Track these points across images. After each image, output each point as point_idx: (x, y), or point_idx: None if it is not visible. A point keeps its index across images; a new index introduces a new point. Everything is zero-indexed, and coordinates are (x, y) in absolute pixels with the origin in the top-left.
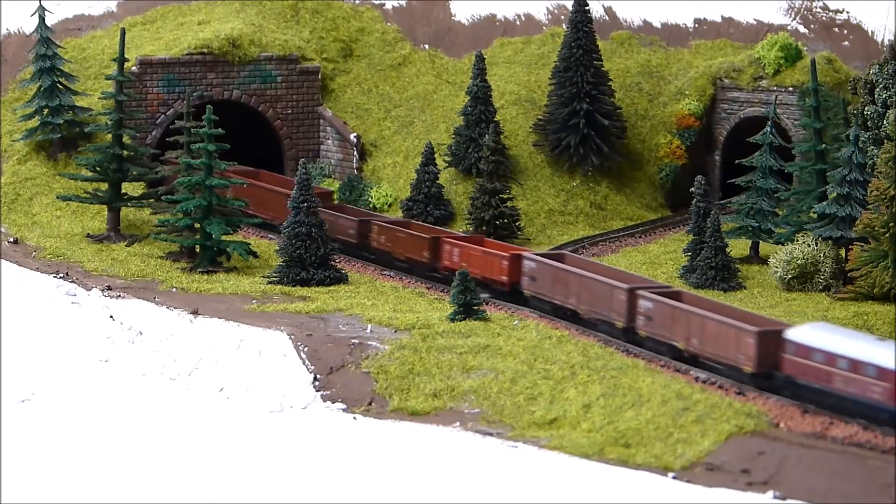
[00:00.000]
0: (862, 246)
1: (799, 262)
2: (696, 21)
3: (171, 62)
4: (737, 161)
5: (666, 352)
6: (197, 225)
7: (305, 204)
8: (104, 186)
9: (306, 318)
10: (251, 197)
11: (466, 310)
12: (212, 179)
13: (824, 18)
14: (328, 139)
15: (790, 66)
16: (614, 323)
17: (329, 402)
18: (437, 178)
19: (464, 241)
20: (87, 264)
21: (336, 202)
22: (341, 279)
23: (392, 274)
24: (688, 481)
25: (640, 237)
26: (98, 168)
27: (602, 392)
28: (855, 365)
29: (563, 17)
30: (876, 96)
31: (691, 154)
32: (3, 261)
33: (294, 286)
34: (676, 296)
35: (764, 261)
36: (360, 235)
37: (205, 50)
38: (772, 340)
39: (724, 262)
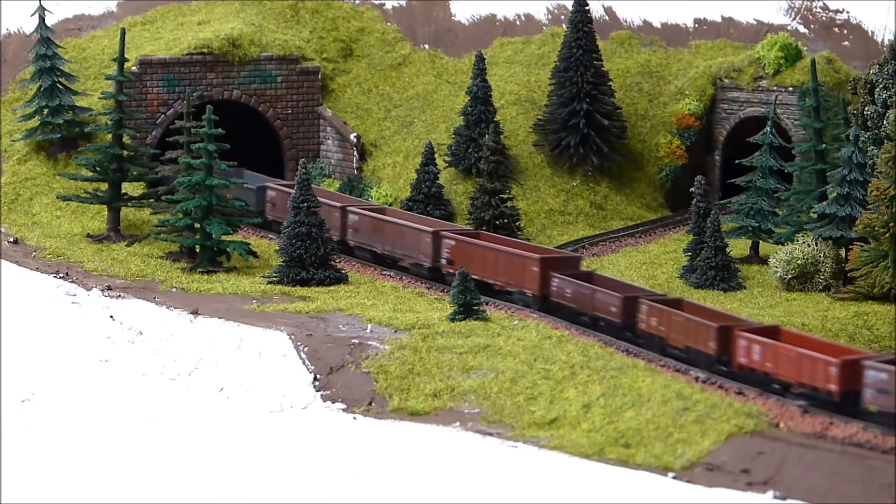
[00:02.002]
0: (862, 246)
1: (799, 262)
2: (696, 21)
3: (171, 62)
4: (737, 161)
5: None
6: (197, 225)
7: (305, 204)
8: (104, 186)
9: (306, 318)
10: (475, 259)
11: (466, 310)
12: (212, 179)
13: (824, 18)
14: (328, 139)
15: (790, 66)
16: None
17: (329, 402)
18: (437, 178)
19: (764, 335)
20: (87, 264)
21: (585, 270)
22: (341, 279)
23: (392, 274)
24: (688, 481)
25: (640, 237)
26: (98, 168)
27: (602, 392)
28: None
29: (563, 17)
30: (876, 96)
31: (691, 154)
32: (3, 261)
33: (294, 286)
34: None
35: (764, 261)
36: (624, 315)
37: (205, 50)
38: None
39: (724, 262)
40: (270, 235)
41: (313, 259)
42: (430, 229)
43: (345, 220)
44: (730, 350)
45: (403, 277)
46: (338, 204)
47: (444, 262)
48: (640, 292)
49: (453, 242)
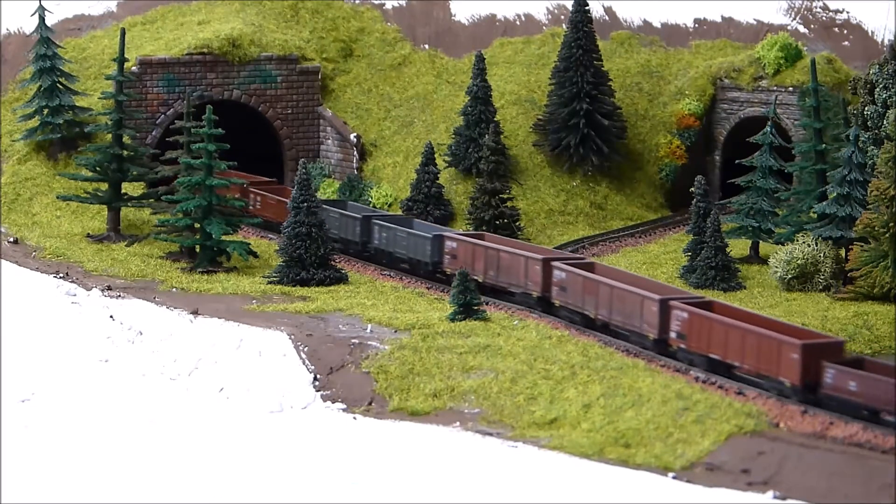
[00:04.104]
0: (862, 246)
1: (799, 262)
2: (696, 21)
3: (171, 62)
4: (737, 161)
5: None
6: (197, 225)
7: (305, 204)
8: (104, 186)
9: (306, 318)
10: None
11: (466, 310)
12: (212, 179)
13: (824, 18)
14: (328, 139)
15: (790, 66)
16: None
17: (329, 402)
18: (437, 178)
19: None
20: (87, 264)
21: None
22: (341, 279)
23: (392, 274)
24: (688, 481)
25: (640, 237)
26: (98, 168)
27: (602, 392)
28: None
29: (563, 17)
30: (876, 96)
31: (691, 154)
32: (3, 261)
33: (294, 286)
34: None
35: (764, 261)
36: None
37: (205, 50)
38: None
39: (724, 262)
40: (270, 235)
41: (313, 259)
42: (656, 297)
43: (548, 275)
44: None
45: (403, 277)
46: (539, 256)
47: (673, 335)
48: None
49: (686, 315)
